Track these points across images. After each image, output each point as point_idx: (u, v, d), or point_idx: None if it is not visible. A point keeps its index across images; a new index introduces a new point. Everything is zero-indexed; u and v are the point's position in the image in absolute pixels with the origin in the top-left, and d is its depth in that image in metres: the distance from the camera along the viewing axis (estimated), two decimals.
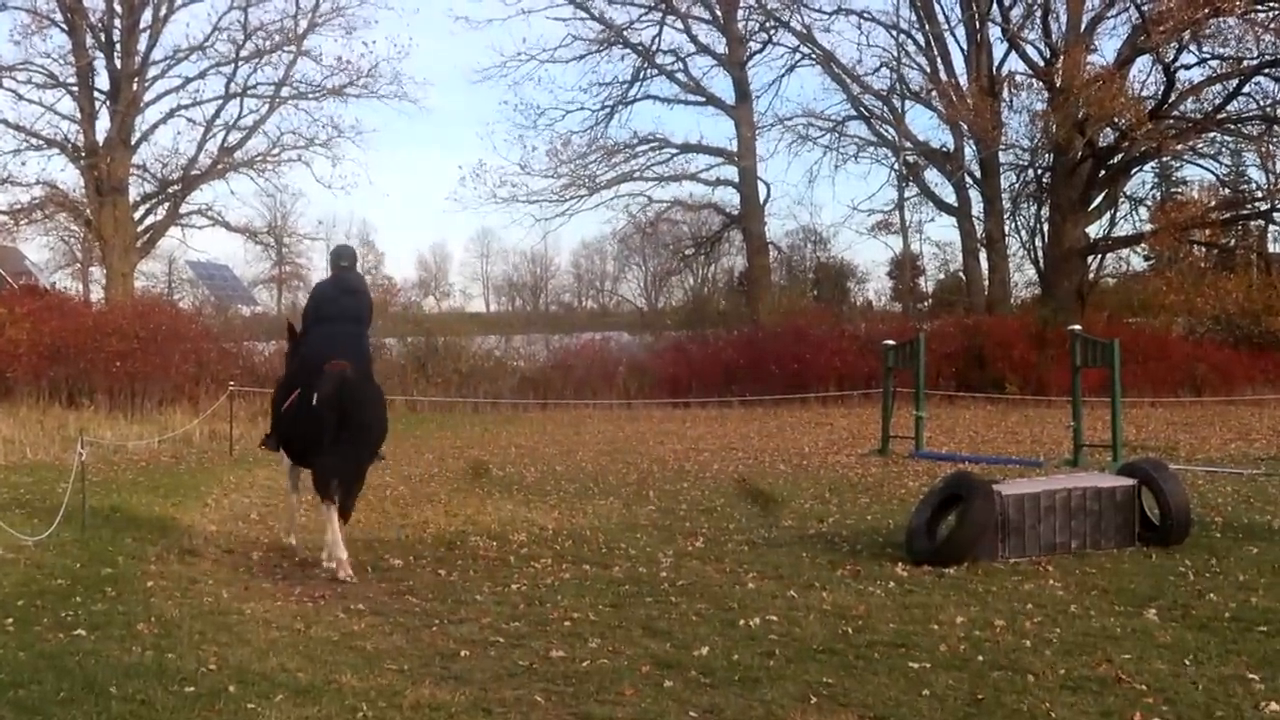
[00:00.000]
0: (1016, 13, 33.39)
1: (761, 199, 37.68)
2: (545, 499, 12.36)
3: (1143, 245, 34.55)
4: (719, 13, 36.31)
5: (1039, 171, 35.11)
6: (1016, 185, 36.06)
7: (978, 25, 33.63)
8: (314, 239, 52.96)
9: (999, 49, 34.05)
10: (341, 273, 9.08)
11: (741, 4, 36.27)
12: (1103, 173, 32.70)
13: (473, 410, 26.89)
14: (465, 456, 17.17)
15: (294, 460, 9.27)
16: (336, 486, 8.55)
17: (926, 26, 34.73)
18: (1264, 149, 32.82)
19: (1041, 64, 32.74)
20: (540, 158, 39.19)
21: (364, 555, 9.08)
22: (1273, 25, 29.59)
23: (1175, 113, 31.47)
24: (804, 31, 35.82)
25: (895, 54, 35.55)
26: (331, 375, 8.34)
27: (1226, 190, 34.59)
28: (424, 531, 10.24)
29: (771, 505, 11.40)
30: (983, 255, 35.38)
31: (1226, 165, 34.93)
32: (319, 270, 67.22)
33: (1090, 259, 34.81)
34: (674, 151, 37.12)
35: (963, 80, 33.77)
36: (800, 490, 12.86)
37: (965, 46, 34.23)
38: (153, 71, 33.48)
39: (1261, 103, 31.45)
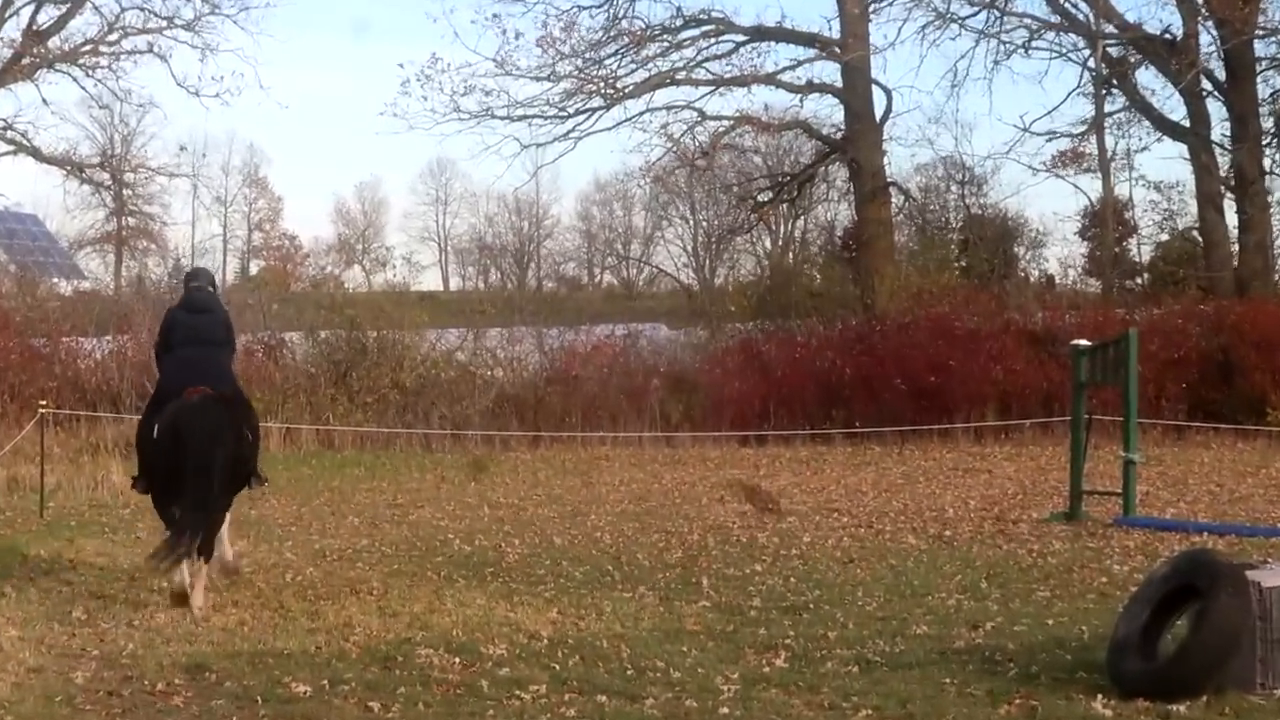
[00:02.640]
0: None
1: (878, 114, 37.68)
2: (537, 589, 12.36)
3: None
4: None
5: None
6: None
7: None
8: (174, 175, 52.82)
9: None
10: (191, 293, 12.41)
11: None
12: None
13: (422, 447, 26.90)
14: (411, 521, 17.18)
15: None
16: (186, 533, 11.08)
17: None
18: None
19: None
20: (528, 50, 39.10)
21: (251, 677, 9.09)
22: None
23: None
24: None
25: None
26: (173, 406, 11.44)
27: None
28: (345, 640, 10.24)
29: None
30: (1229, 204, 35.20)
31: None
32: (177, 224, 67.83)
33: None
34: (740, 39, 37.20)
35: None
36: (941, 577, 12.79)
37: None
38: None
39: None
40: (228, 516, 12.21)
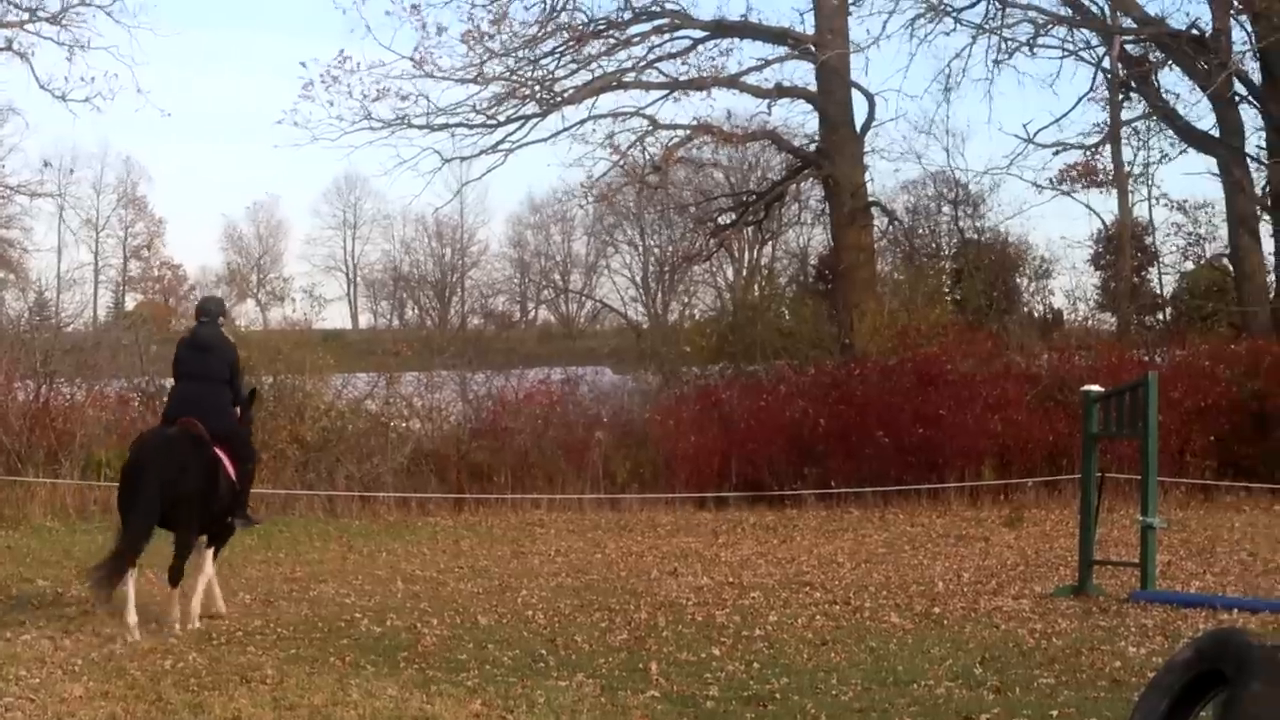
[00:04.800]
0: None
1: (858, 123, 37.86)
2: (458, 677, 12.32)
3: None
4: None
5: None
6: None
7: None
8: (36, 194, 52.43)
9: None
10: (198, 328, 15.04)
11: None
12: None
13: (325, 511, 26.81)
14: (312, 597, 17.13)
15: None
16: (121, 555, 13.80)
17: None
18: None
19: None
20: (451, 47, 39.10)
21: None
22: None
23: None
24: None
25: None
26: (137, 442, 14.54)
27: None
28: None
29: None
30: (1265, 227, 35.44)
31: None
32: (40, 251, 67.60)
33: None
34: (698, 35, 37.33)
35: None
36: (928, 661, 12.82)
37: None
38: None
39: None
40: (209, 555, 15.32)
